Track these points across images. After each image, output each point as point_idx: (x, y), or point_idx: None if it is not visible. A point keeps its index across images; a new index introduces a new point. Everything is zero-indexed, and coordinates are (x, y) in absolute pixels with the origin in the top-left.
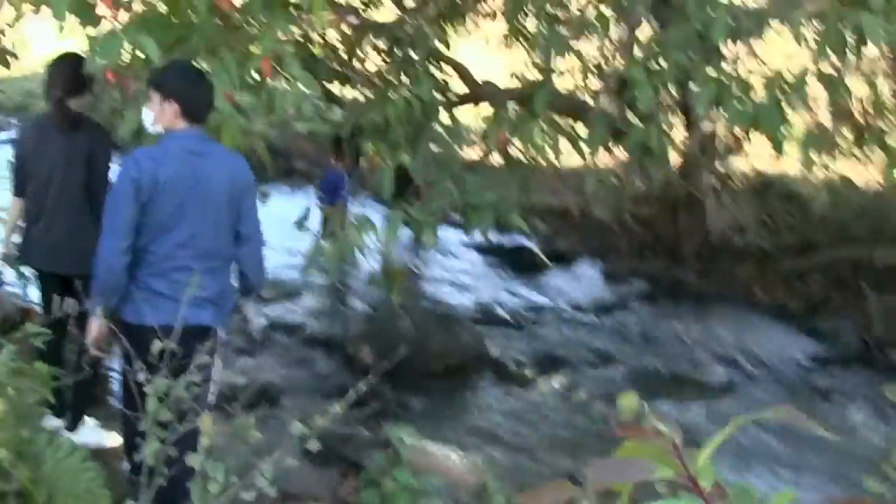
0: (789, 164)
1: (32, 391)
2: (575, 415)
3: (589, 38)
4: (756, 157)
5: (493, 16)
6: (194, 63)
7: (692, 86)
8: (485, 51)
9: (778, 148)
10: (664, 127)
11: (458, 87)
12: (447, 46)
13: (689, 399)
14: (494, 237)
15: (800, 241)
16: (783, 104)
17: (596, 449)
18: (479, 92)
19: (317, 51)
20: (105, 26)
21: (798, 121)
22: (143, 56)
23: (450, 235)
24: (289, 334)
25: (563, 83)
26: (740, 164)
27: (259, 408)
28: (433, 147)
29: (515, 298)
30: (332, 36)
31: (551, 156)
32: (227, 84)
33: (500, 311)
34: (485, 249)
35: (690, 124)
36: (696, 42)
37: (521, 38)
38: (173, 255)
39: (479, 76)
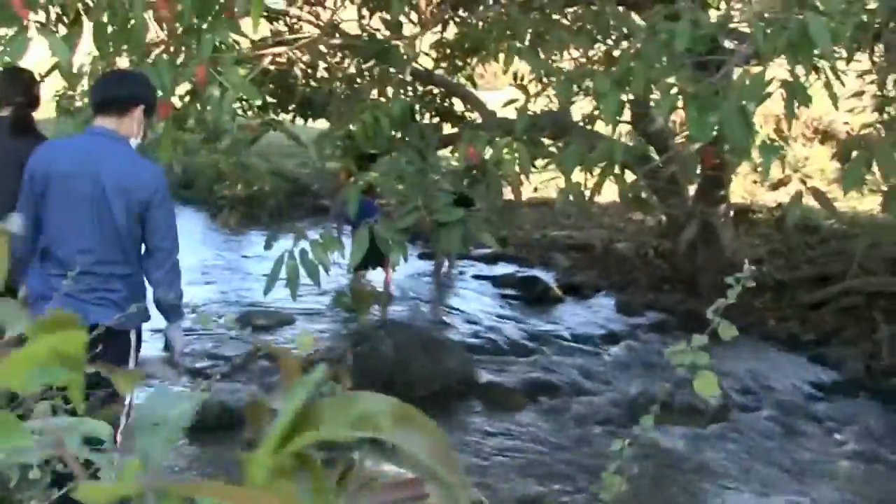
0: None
1: None
2: (555, 440)
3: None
4: (782, 192)
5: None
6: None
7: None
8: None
9: (741, 159)
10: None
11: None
12: (472, 82)
13: (678, 424)
14: (508, 269)
15: (817, 273)
16: (747, 111)
17: (569, 473)
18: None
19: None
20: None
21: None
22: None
23: (462, 265)
24: (271, 359)
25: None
26: (764, 197)
27: (221, 429)
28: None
29: (519, 328)
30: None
31: (519, 173)
32: (162, 88)
33: (500, 340)
34: (497, 281)
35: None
36: (664, 53)
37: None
38: (75, 260)
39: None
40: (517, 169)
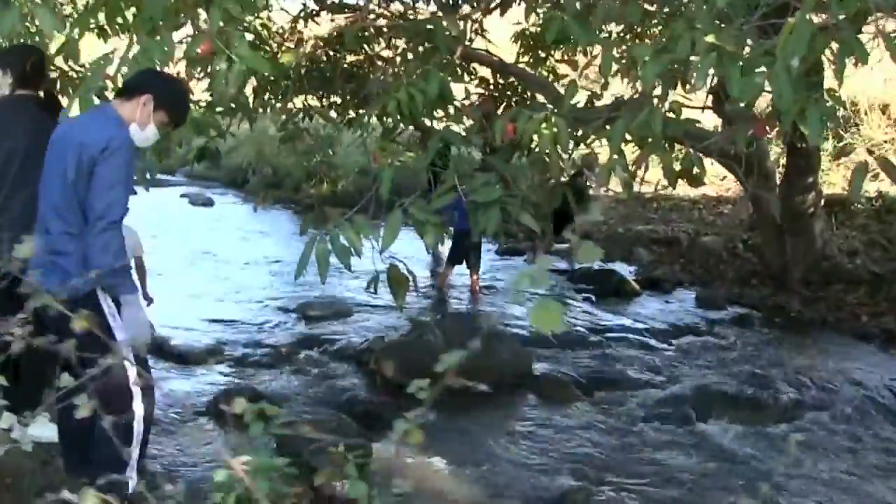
0: None
1: None
2: (602, 435)
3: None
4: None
5: None
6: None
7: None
8: None
9: (785, 122)
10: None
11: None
12: (555, 75)
13: (745, 421)
14: (585, 263)
15: None
16: (792, 68)
17: (609, 467)
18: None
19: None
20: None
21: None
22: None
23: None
24: (320, 350)
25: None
26: (864, 187)
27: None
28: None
29: (588, 321)
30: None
31: (558, 148)
32: (164, 61)
33: (565, 333)
34: (571, 275)
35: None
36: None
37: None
38: (40, 215)
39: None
40: (557, 145)
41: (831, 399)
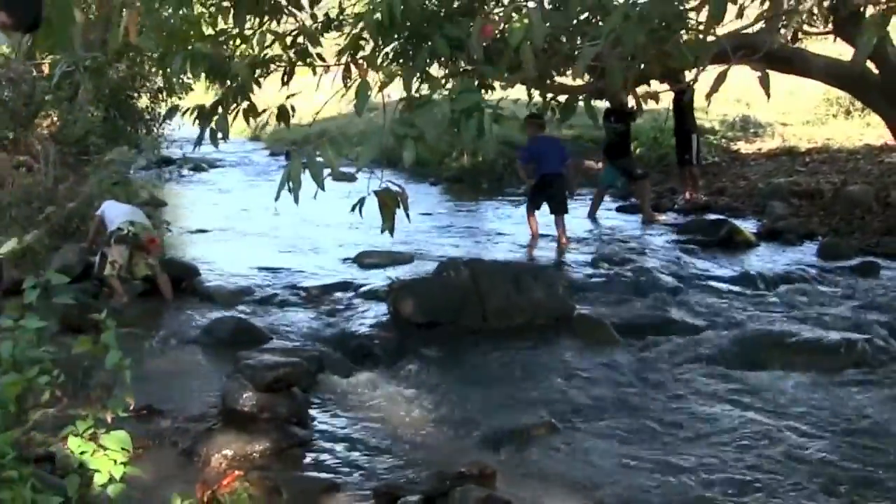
0: None
1: None
2: (621, 376)
3: None
4: None
5: None
6: None
7: None
8: None
9: None
10: None
11: None
12: None
13: (810, 368)
14: (698, 215)
15: None
16: None
17: (604, 407)
18: None
19: None
20: None
21: None
22: None
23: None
24: (352, 292)
25: None
26: None
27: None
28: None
29: (670, 268)
30: None
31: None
32: None
33: (634, 278)
34: (682, 227)
35: None
36: None
37: None
38: None
39: None
40: (528, 41)
41: None
